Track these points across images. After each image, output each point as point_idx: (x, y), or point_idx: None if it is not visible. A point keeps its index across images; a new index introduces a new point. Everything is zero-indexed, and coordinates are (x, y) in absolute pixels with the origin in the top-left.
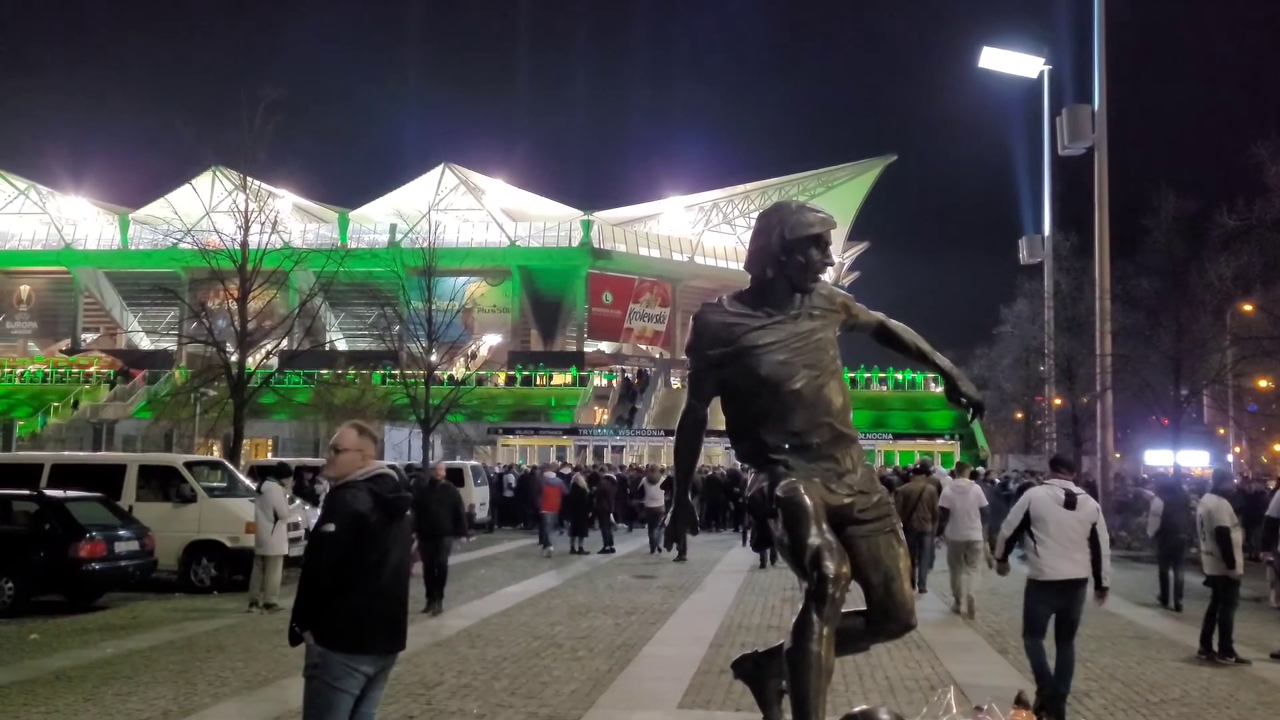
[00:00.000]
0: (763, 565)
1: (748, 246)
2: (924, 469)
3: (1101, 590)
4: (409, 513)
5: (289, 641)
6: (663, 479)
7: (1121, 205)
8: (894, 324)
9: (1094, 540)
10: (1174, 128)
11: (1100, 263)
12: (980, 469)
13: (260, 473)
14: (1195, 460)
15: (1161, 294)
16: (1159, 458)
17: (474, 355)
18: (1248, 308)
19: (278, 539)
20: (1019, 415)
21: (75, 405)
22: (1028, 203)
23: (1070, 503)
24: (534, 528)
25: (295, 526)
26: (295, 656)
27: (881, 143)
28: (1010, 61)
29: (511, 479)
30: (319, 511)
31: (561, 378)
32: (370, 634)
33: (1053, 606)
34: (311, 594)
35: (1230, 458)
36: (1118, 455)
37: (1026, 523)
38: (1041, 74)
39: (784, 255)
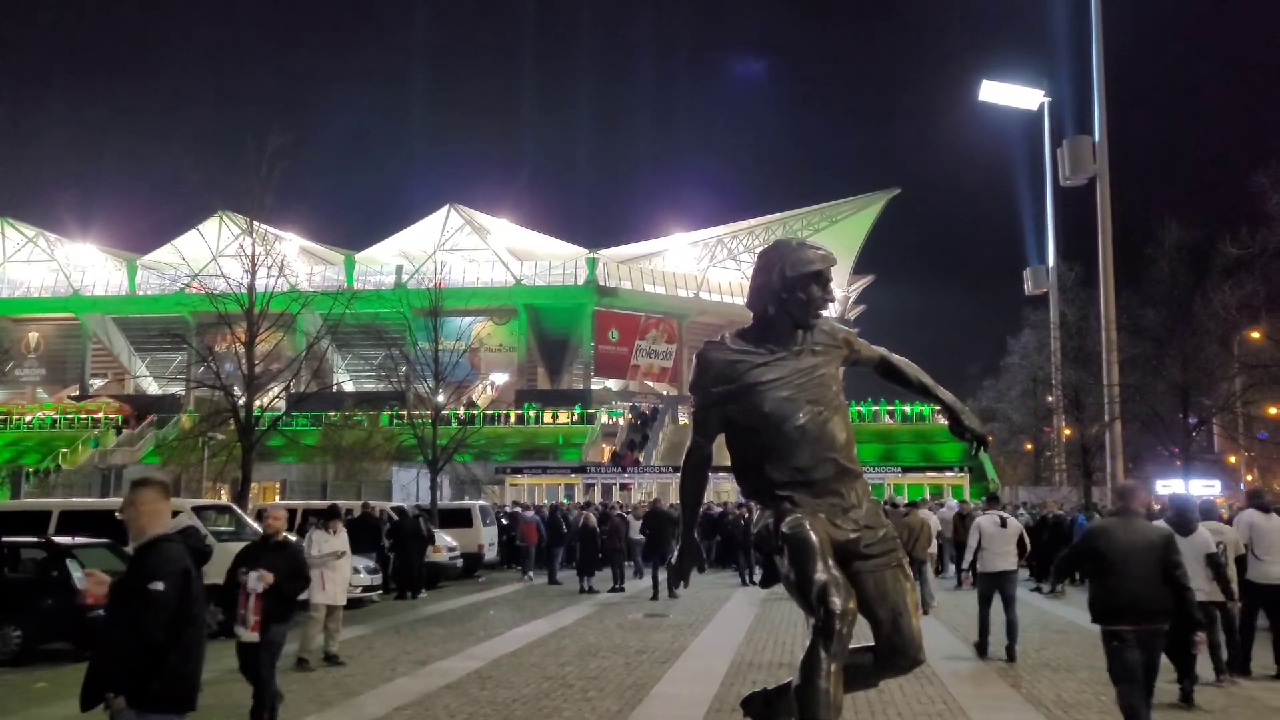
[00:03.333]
0: None
1: (749, 284)
2: (895, 503)
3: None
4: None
5: (82, 706)
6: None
7: (1125, 235)
8: (896, 359)
9: (1021, 546)
10: (1175, 157)
11: (1105, 293)
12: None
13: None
14: (1207, 490)
15: (1167, 323)
16: (1170, 487)
17: (471, 403)
18: (1255, 335)
19: (336, 587)
20: (1028, 446)
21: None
22: (1031, 234)
23: (1004, 524)
24: (542, 565)
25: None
26: (303, 701)
27: (885, 176)
28: (1010, 94)
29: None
30: (135, 569)
31: (568, 415)
32: (192, 691)
33: (993, 588)
34: (138, 656)
35: (1243, 486)
36: None
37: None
38: (1041, 106)
39: (785, 292)
